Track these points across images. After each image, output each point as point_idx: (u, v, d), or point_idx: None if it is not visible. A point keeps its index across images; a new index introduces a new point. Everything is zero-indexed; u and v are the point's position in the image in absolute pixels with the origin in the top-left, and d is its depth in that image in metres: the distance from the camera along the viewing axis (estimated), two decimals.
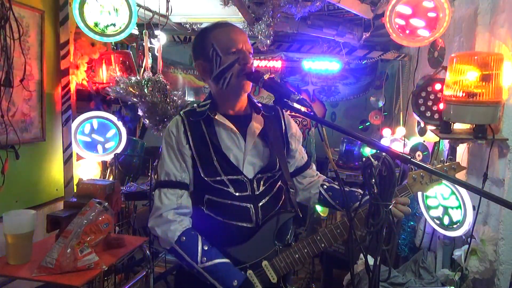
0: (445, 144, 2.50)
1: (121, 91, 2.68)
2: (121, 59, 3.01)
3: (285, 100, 1.21)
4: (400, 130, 3.62)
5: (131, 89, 2.66)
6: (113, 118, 2.93)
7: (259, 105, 1.47)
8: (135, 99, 2.71)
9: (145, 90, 2.67)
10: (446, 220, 2.05)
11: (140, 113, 2.80)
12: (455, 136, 2.00)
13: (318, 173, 1.62)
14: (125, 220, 3.11)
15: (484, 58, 1.78)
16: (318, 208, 3.31)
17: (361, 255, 2.34)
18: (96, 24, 2.62)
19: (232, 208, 1.37)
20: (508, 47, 1.84)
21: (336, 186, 1.54)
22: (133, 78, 2.72)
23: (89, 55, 2.94)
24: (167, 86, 2.79)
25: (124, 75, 2.89)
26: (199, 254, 1.29)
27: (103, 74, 2.99)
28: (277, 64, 4.57)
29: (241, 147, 1.39)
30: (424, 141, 2.82)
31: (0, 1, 2.04)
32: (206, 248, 1.31)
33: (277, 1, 2.83)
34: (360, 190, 1.49)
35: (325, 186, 1.54)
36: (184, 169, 1.39)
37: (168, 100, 2.72)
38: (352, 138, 3.61)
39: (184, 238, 1.32)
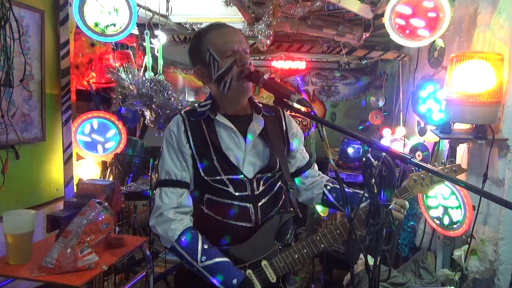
0: (445, 144, 2.50)
1: (122, 78, 2.68)
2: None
3: (285, 100, 1.21)
4: (400, 130, 3.62)
5: (131, 87, 2.67)
6: (113, 118, 2.93)
7: (260, 105, 1.47)
8: (133, 98, 2.71)
9: (146, 89, 2.67)
10: (446, 220, 2.05)
11: (138, 108, 2.79)
12: (455, 136, 2.00)
13: (320, 173, 1.62)
14: (125, 220, 3.11)
15: (484, 58, 1.78)
16: (318, 208, 3.31)
17: (361, 255, 2.34)
18: (96, 24, 2.62)
19: (231, 208, 1.37)
20: (508, 47, 1.84)
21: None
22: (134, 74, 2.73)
23: (89, 55, 2.94)
24: (169, 86, 2.79)
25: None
26: (199, 253, 1.30)
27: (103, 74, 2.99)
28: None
29: (242, 147, 1.39)
30: (424, 141, 2.82)
31: (0, 1, 2.04)
32: (206, 247, 1.31)
33: (277, 1, 2.83)
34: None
35: (329, 187, 1.54)
36: (185, 168, 1.39)
37: (170, 100, 2.72)
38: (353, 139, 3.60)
39: (184, 237, 1.32)
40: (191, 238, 1.32)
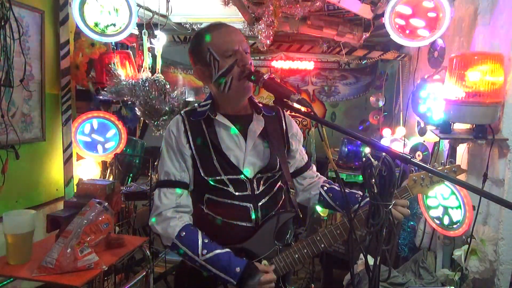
0: (445, 144, 2.50)
1: (117, 91, 2.68)
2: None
3: (285, 100, 1.21)
4: (400, 130, 3.62)
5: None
6: (113, 118, 2.93)
7: (260, 105, 1.47)
8: (131, 99, 2.71)
9: (142, 90, 2.67)
10: (446, 220, 2.05)
11: (138, 113, 2.80)
12: (455, 136, 2.00)
13: (318, 174, 1.62)
14: (125, 220, 3.11)
15: (484, 58, 1.78)
16: (318, 208, 3.31)
17: (361, 255, 2.34)
18: (96, 24, 2.62)
19: (231, 208, 1.37)
20: (508, 47, 1.84)
21: (336, 188, 1.53)
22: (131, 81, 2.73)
23: (89, 55, 2.94)
24: (167, 85, 2.78)
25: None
26: (200, 247, 1.30)
27: (104, 74, 2.99)
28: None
29: (242, 147, 1.39)
30: (424, 141, 2.82)
31: (0, 1, 2.04)
32: (206, 241, 1.32)
33: (277, 1, 2.83)
34: (360, 192, 1.49)
35: (325, 188, 1.54)
36: (184, 169, 1.39)
37: (165, 99, 2.72)
38: (352, 138, 3.60)
39: (184, 233, 1.32)
40: (190, 234, 1.32)
